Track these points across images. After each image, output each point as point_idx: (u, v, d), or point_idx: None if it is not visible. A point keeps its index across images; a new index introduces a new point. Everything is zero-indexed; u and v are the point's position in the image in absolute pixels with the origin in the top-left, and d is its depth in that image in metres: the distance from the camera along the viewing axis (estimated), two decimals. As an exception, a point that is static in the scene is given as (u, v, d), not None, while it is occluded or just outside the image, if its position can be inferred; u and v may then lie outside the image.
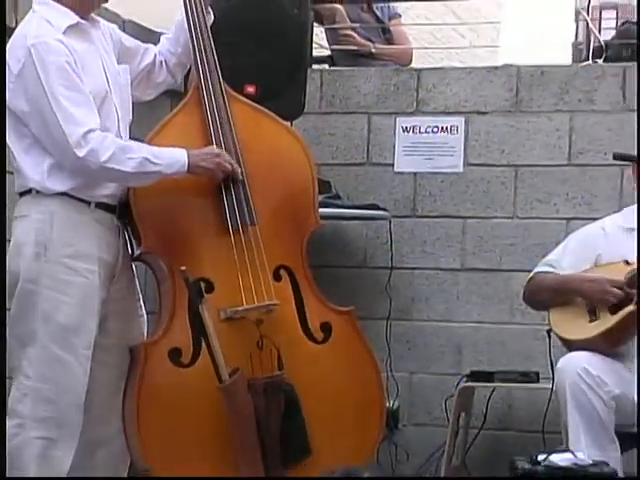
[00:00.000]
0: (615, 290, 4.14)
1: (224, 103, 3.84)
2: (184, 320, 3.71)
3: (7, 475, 3.47)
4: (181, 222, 3.78)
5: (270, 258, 3.79)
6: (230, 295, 3.74)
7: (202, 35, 3.86)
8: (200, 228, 3.79)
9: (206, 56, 3.86)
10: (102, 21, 3.81)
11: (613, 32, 6.13)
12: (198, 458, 3.72)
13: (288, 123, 4.67)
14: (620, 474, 3.90)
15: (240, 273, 3.74)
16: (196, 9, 3.87)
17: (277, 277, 3.83)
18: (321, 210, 4.68)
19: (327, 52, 5.99)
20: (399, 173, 5.34)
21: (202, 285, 3.71)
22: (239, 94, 4.08)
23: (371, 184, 5.34)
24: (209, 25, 3.90)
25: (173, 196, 3.75)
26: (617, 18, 6.00)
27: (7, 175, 3.71)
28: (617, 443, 4.06)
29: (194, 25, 3.86)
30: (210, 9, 3.94)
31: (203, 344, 3.67)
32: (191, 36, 3.86)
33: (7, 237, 3.75)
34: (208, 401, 3.68)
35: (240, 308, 3.73)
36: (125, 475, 3.83)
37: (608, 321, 4.15)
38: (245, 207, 3.77)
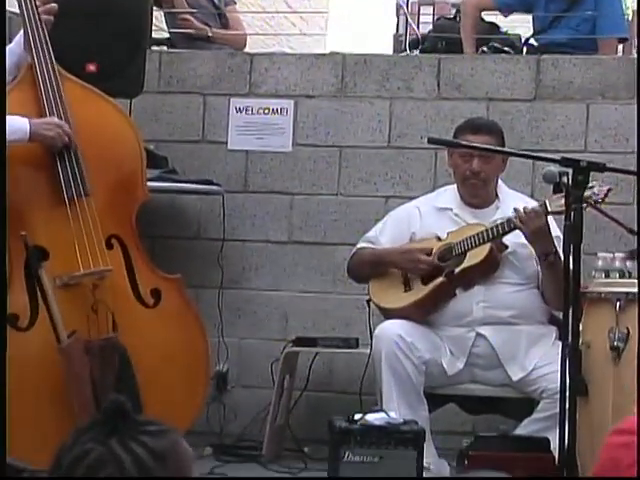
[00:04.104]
0: (424, 257, 4.19)
1: (56, 82, 3.80)
2: (20, 286, 3.67)
3: None
4: (17, 193, 3.71)
5: (102, 228, 3.78)
6: (65, 262, 3.72)
7: (34, 18, 3.81)
8: (36, 198, 3.75)
9: (38, 36, 3.81)
10: None
11: (430, 26, 6.21)
12: (38, 415, 3.70)
13: (127, 101, 4.61)
14: (428, 432, 3.98)
15: (75, 241, 3.71)
16: None
17: (109, 245, 3.83)
18: (158, 184, 4.64)
19: (166, 35, 5.91)
20: (232, 151, 5.31)
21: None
22: (81, 72, 4.02)
23: (206, 160, 5.29)
24: (39, 10, 3.83)
25: (9, 168, 3.65)
26: (434, 14, 6.08)
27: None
28: (426, 404, 4.13)
29: (26, 9, 3.80)
30: None
31: (39, 308, 3.62)
32: (23, 20, 3.81)
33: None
34: (46, 362, 3.66)
35: (75, 274, 3.71)
36: None
37: (420, 291, 4.21)
38: (79, 179, 3.74)
